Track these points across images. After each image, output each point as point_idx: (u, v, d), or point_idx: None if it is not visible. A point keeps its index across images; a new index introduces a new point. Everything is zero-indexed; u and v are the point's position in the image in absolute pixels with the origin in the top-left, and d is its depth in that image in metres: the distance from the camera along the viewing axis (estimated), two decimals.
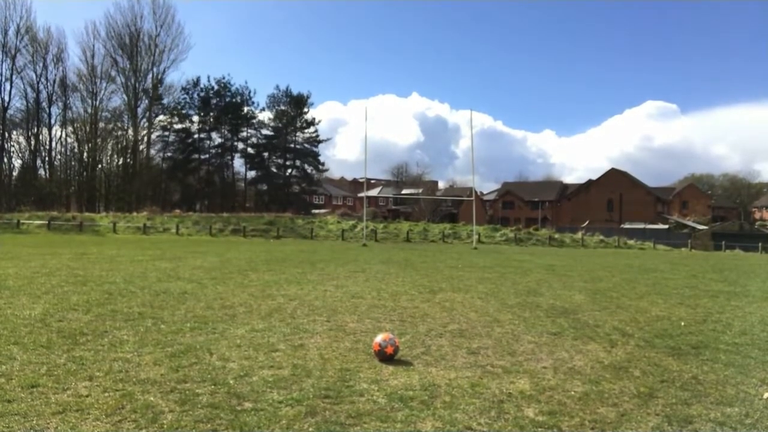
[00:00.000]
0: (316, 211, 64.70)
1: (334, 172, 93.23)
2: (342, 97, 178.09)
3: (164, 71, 58.62)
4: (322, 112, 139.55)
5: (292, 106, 65.61)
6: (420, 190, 73.54)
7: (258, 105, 67.06)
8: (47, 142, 57.12)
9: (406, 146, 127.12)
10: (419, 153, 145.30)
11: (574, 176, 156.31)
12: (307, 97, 65.74)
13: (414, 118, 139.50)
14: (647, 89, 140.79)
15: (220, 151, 66.28)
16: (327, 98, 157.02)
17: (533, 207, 79.64)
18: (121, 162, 60.19)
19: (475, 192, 50.13)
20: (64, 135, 58.59)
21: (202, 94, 63.09)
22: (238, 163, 67.86)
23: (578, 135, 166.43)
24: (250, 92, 65.41)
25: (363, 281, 10.60)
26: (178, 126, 63.50)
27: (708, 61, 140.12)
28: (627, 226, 56.92)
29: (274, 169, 67.44)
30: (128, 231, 36.65)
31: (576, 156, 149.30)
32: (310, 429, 3.01)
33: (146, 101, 58.09)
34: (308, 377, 3.92)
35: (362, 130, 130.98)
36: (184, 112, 62.75)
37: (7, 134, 54.73)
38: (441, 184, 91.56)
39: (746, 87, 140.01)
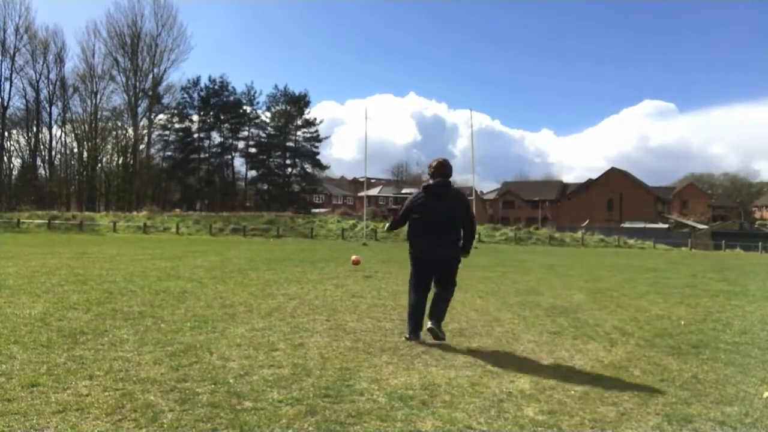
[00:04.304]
0: (316, 210, 64.70)
1: (331, 171, 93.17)
2: (339, 97, 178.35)
3: (165, 71, 58.60)
4: (319, 112, 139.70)
5: (291, 106, 65.55)
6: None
7: (260, 105, 66.95)
8: (47, 142, 57.20)
9: (404, 145, 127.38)
10: (416, 152, 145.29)
11: (572, 176, 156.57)
12: (306, 97, 65.59)
13: (411, 118, 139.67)
14: (645, 88, 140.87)
15: (220, 150, 66.21)
16: (324, 98, 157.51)
17: (533, 206, 79.60)
18: (121, 161, 60.25)
19: (475, 191, 50.11)
20: (63, 134, 58.53)
21: (202, 93, 62.98)
22: (238, 163, 67.87)
23: (576, 134, 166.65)
24: (253, 92, 65.30)
25: (363, 280, 10.60)
26: (178, 125, 63.42)
27: (706, 60, 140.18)
28: (627, 225, 56.94)
29: (274, 169, 67.34)
30: (128, 230, 36.67)
31: (574, 155, 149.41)
32: (310, 428, 3.01)
33: (146, 101, 58.05)
34: (308, 376, 3.92)
35: (359, 130, 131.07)
36: (184, 111, 62.65)
37: (6, 133, 54.73)
38: None
39: (744, 86, 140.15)
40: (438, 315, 5.08)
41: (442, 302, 5.13)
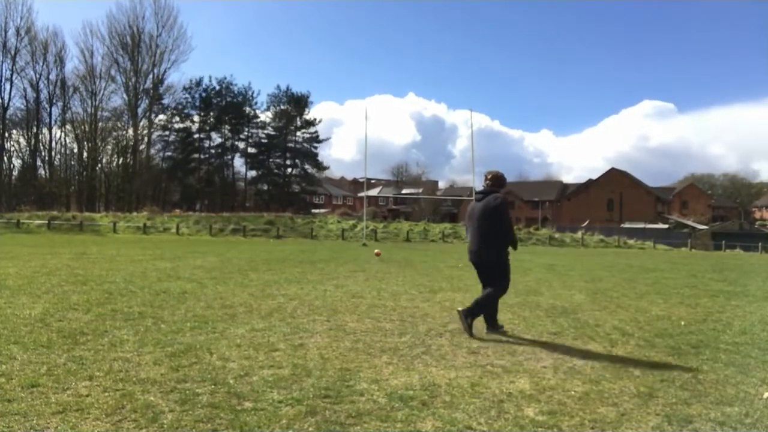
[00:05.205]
0: (316, 210, 64.72)
1: (331, 171, 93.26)
2: (338, 97, 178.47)
3: (165, 72, 58.52)
4: (318, 112, 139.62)
5: (293, 106, 65.58)
6: (420, 190, 73.51)
7: (260, 105, 66.92)
8: (47, 142, 57.18)
9: (403, 146, 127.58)
10: (415, 152, 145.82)
11: (571, 176, 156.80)
12: (307, 97, 65.65)
13: (410, 118, 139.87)
14: (644, 88, 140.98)
15: (220, 150, 66.20)
16: (323, 98, 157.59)
17: (533, 207, 79.62)
18: (121, 162, 60.21)
19: (476, 191, 50.17)
20: (63, 135, 58.52)
21: (203, 94, 62.91)
22: (239, 163, 67.91)
23: (575, 134, 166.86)
24: (252, 93, 65.29)
25: (363, 281, 10.60)
26: (179, 126, 63.38)
27: (706, 60, 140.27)
28: (627, 225, 56.97)
29: (274, 169, 67.36)
30: (128, 231, 36.64)
31: (573, 156, 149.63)
32: (310, 429, 3.01)
33: (146, 101, 58.01)
34: (308, 377, 3.92)
35: (358, 130, 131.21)
36: (185, 111, 62.60)
37: (7, 134, 54.73)
38: (441, 184, 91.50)
39: (744, 86, 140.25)
40: (471, 306, 5.71)
41: (479, 299, 5.72)
